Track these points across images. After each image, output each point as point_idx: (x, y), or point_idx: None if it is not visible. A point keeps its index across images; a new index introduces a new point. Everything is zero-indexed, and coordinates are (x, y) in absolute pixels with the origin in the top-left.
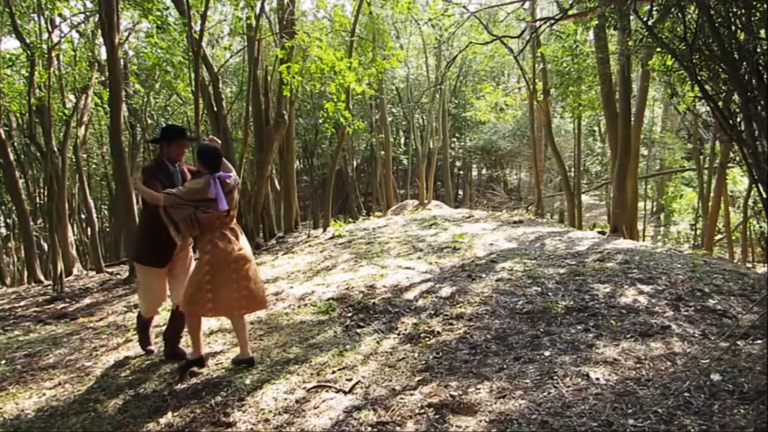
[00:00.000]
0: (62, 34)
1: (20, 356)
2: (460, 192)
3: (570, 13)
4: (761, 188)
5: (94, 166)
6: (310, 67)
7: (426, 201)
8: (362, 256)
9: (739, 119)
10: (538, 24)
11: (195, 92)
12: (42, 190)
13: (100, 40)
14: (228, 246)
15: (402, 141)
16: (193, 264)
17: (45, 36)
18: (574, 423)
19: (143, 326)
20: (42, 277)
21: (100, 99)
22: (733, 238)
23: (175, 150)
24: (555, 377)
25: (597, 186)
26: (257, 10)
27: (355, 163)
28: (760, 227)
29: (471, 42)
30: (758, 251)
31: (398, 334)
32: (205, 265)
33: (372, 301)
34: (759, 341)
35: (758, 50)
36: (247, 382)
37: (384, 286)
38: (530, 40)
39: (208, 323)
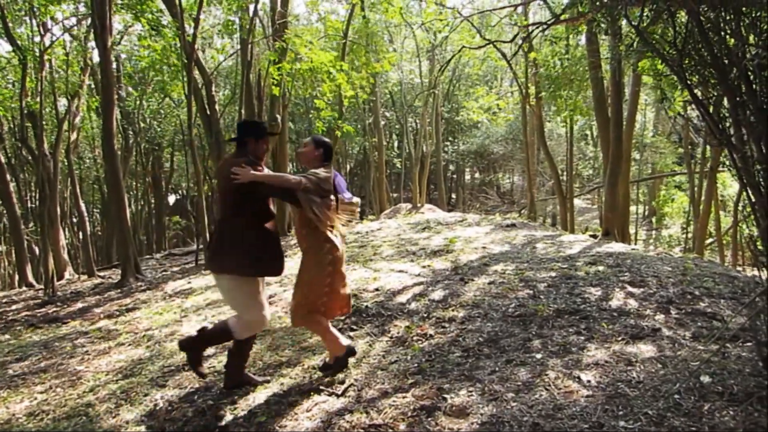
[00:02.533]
0: (54, 38)
1: (11, 360)
2: (453, 195)
3: (562, 18)
4: (750, 192)
5: (86, 169)
6: (302, 66)
7: (419, 204)
8: (355, 260)
9: (728, 124)
10: (530, 29)
11: (188, 95)
12: (33, 194)
13: (92, 43)
14: (340, 243)
15: (395, 144)
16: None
17: (37, 39)
18: (566, 425)
19: (243, 353)
20: (33, 281)
21: (94, 101)
22: (724, 241)
23: (263, 147)
24: (546, 380)
25: (589, 190)
26: (250, 14)
27: (348, 167)
28: (750, 231)
29: (464, 46)
30: (748, 255)
31: (390, 337)
32: (328, 266)
33: (364, 304)
34: (748, 344)
35: (747, 56)
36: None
37: (376, 289)
38: (523, 45)
39: (199, 326)
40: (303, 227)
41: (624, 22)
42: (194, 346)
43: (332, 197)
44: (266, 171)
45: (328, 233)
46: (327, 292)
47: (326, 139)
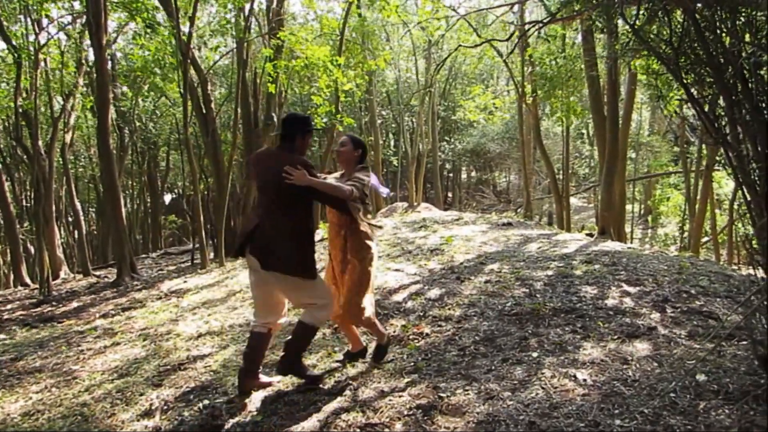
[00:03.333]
0: (49, 36)
1: (6, 360)
2: (450, 194)
3: (558, 16)
4: (746, 191)
5: (81, 168)
6: (297, 62)
7: (415, 203)
8: None
9: (724, 122)
10: (526, 27)
11: (183, 94)
12: (29, 193)
13: (87, 41)
14: (375, 241)
15: (391, 143)
16: None
17: (32, 38)
18: (562, 424)
19: (308, 339)
20: (29, 281)
21: (89, 100)
22: (720, 240)
23: (308, 142)
24: (542, 378)
25: (585, 188)
26: (246, 12)
27: None
28: (745, 230)
29: (460, 45)
30: (744, 253)
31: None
32: (370, 264)
33: None
34: (744, 342)
35: (743, 54)
36: (236, 384)
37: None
38: (519, 43)
39: (196, 326)
40: (342, 229)
41: (620, 20)
42: (293, 365)
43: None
44: (319, 176)
45: (368, 234)
46: (371, 288)
47: (362, 140)
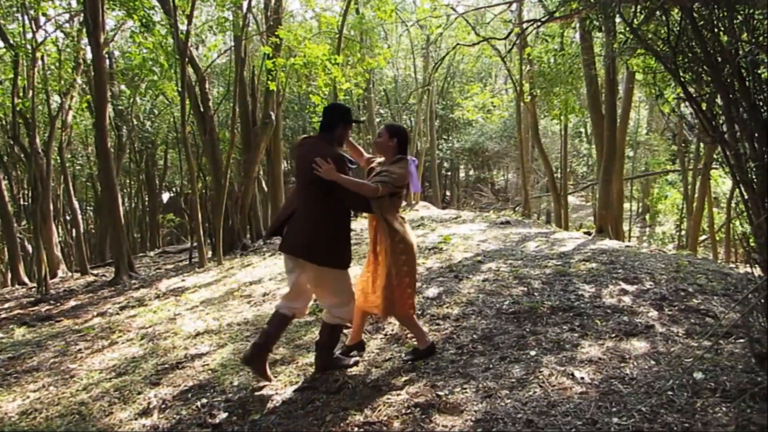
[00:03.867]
0: (47, 34)
1: (4, 359)
2: (448, 193)
3: (556, 15)
4: (743, 189)
5: (79, 167)
6: (296, 61)
7: (414, 202)
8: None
9: (721, 121)
10: (524, 26)
11: (181, 92)
12: (26, 192)
13: (85, 40)
14: (410, 230)
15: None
16: None
17: (29, 36)
18: (559, 422)
19: (337, 337)
20: (26, 279)
21: (85, 100)
22: (717, 238)
23: (348, 133)
24: (540, 376)
25: (583, 187)
26: (243, 10)
27: None
28: (743, 228)
29: (458, 43)
30: (741, 251)
31: (385, 335)
32: (401, 255)
33: None
34: (741, 340)
35: (740, 53)
36: (235, 383)
37: None
38: (517, 42)
39: (194, 325)
40: (374, 221)
41: (617, 19)
42: (328, 360)
43: (404, 191)
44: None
45: (397, 225)
46: (408, 283)
47: (401, 127)
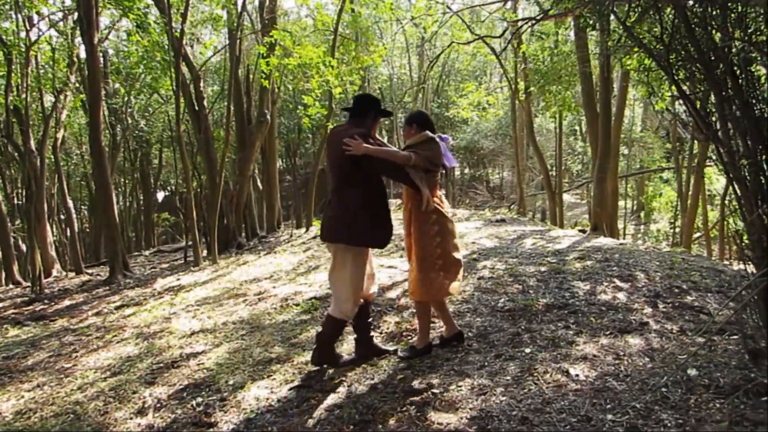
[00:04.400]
0: (40, 33)
1: None
2: (443, 191)
3: (551, 13)
4: (737, 187)
5: (73, 166)
6: (290, 61)
7: None
8: None
9: (715, 119)
10: (519, 24)
11: (176, 91)
12: (20, 191)
13: (79, 39)
14: (447, 210)
15: (385, 139)
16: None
17: (23, 35)
18: (554, 419)
19: (339, 331)
20: (20, 279)
21: (79, 99)
22: (711, 235)
23: (378, 125)
24: (535, 374)
25: (578, 185)
26: (238, 8)
27: None
28: (736, 225)
29: (453, 41)
30: (735, 249)
31: (380, 333)
32: (436, 237)
33: None
34: (735, 337)
35: (733, 51)
36: (230, 382)
37: None
38: (512, 40)
39: (189, 324)
40: (409, 201)
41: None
42: (326, 355)
43: (440, 169)
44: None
45: (434, 209)
46: (441, 265)
47: (418, 112)
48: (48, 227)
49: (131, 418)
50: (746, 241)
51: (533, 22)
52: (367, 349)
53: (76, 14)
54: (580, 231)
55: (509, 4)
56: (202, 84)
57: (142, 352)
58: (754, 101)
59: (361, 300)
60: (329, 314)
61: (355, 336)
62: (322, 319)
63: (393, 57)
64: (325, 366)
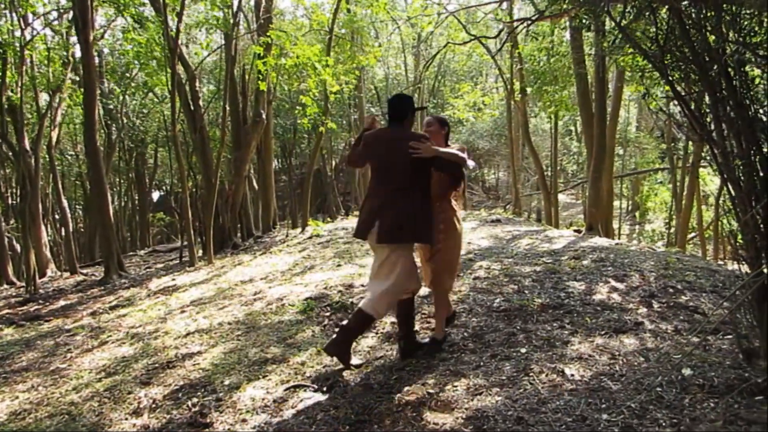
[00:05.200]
0: (35, 32)
1: None
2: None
3: (546, 14)
4: (731, 187)
5: (68, 166)
6: (287, 62)
7: None
8: (340, 256)
9: (709, 119)
10: (515, 24)
11: (171, 91)
12: (14, 190)
13: (74, 38)
14: (460, 218)
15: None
16: None
17: (17, 33)
18: (549, 419)
19: (365, 328)
20: (15, 279)
21: (75, 97)
22: (706, 236)
23: (413, 121)
24: (531, 374)
25: (573, 185)
26: (234, 9)
27: (333, 163)
28: (731, 226)
29: (449, 42)
30: (729, 249)
31: (376, 333)
32: (460, 236)
33: (350, 300)
34: (729, 336)
35: (727, 52)
36: (226, 382)
37: (362, 286)
38: (507, 40)
39: (185, 324)
40: (445, 201)
41: (607, 18)
42: (341, 350)
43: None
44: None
45: (456, 211)
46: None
47: (445, 118)
48: (43, 227)
49: (126, 419)
50: (740, 241)
51: (529, 22)
52: (409, 343)
53: (71, 13)
54: (575, 231)
55: (505, 5)
56: (197, 83)
57: (137, 352)
58: (747, 102)
59: (409, 293)
60: (362, 309)
61: (397, 332)
62: (317, 319)
63: (388, 57)
64: (331, 360)
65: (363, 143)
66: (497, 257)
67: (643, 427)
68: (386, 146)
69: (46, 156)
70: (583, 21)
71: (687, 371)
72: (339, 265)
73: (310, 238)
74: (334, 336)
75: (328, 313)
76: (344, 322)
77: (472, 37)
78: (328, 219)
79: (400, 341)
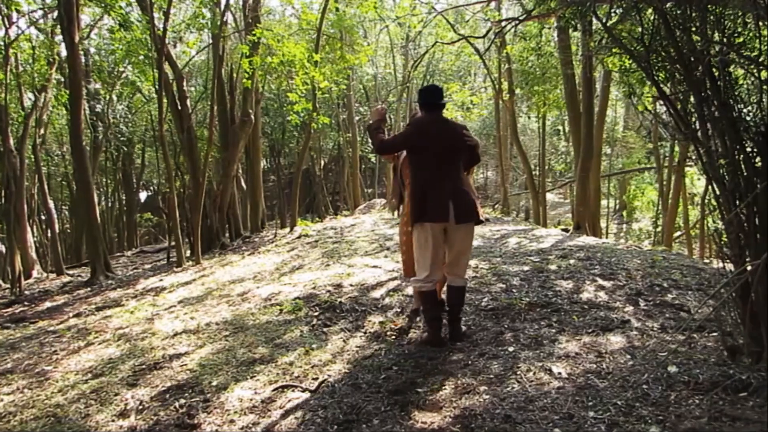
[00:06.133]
0: (20, 31)
1: None
2: None
3: (533, 14)
4: (715, 186)
5: (54, 166)
6: (273, 60)
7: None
8: (329, 256)
9: (694, 119)
10: (503, 24)
11: (158, 90)
12: None
13: (59, 37)
14: None
15: (369, 140)
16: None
17: (1, 33)
18: (537, 417)
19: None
20: (0, 281)
21: (61, 97)
22: (692, 234)
23: None
24: (518, 372)
25: (561, 184)
26: (222, 7)
27: (322, 162)
28: (716, 224)
29: (438, 41)
30: (714, 247)
31: (365, 333)
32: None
33: (339, 300)
34: (714, 334)
35: (711, 52)
36: (213, 383)
37: (351, 285)
38: (495, 40)
39: (172, 325)
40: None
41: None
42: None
43: None
44: None
45: None
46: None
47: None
48: (28, 228)
49: (113, 421)
50: (725, 240)
51: (516, 22)
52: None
53: (56, 12)
54: (563, 230)
55: (493, 5)
56: (185, 83)
57: (124, 353)
58: (731, 102)
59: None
60: (460, 286)
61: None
62: (305, 319)
63: (378, 56)
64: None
65: (417, 129)
66: (485, 256)
67: (629, 424)
68: (441, 132)
69: (32, 156)
70: (570, 21)
71: (672, 368)
72: (327, 265)
73: (299, 238)
74: (450, 326)
75: (316, 313)
76: (446, 309)
77: (461, 37)
78: (317, 219)
79: (453, 323)
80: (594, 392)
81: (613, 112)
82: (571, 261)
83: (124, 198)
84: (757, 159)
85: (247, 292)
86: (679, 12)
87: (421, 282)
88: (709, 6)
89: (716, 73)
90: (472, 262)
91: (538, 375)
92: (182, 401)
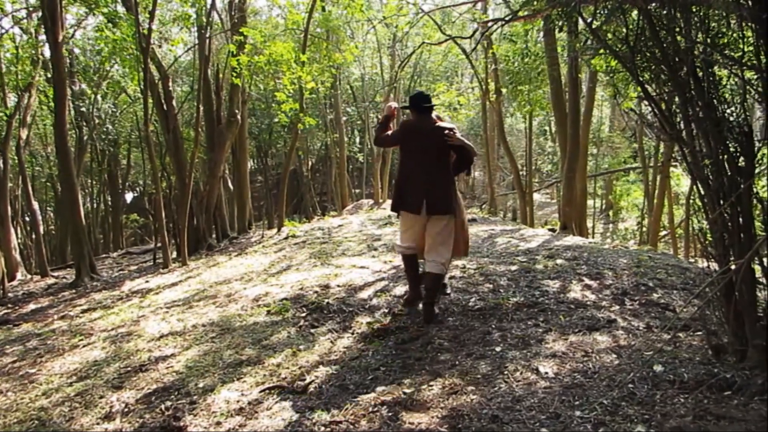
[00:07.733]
0: (3, 31)
1: None
2: None
3: (519, 14)
4: (700, 186)
5: (38, 167)
6: (261, 59)
7: (381, 200)
8: (317, 256)
9: (678, 119)
10: (489, 24)
11: (144, 90)
12: None
13: (43, 36)
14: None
15: (357, 140)
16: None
17: None
18: (524, 416)
19: (439, 283)
20: None
21: (46, 97)
22: (677, 234)
23: None
24: (506, 372)
25: (548, 184)
26: (207, 7)
27: (310, 163)
28: (700, 224)
29: (425, 42)
30: (699, 247)
31: (352, 334)
32: (463, 211)
33: (326, 300)
34: (698, 333)
35: (695, 53)
36: (200, 385)
37: (338, 286)
38: (482, 41)
39: (158, 326)
40: (452, 186)
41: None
42: (433, 312)
43: None
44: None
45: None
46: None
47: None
48: (12, 230)
49: (98, 424)
50: (709, 239)
51: (503, 22)
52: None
53: (40, 12)
54: (550, 230)
55: (479, 5)
56: (170, 83)
57: (109, 356)
58: (715, 102)
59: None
60: (431, 272)
61: (424, 297)
62: (293, 320)
63: (364, 57)
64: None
65: (403, 129)
66: (473, 256)
67: (615, 424)
68: (425, 132)
69: (15, 157)
70: (555, 22)
71: (658, 367)
72: (315, 266)
73: (286, 238)
74: (423, 308)
75: (304, 314)
76: (423, 294)
77: (447, 37)
78: (305, 219)
79: (426, 305)
80: (581, 391)
81: (599, 112)
82: (558, 261)
83: (109, 199)
84: (741, 159)
85: (234, 293)
86: (663, 13)
87: (402, 248)
88: (693, 7)
89: (700, 74)
90: (459, 263)
91: (525, 375)
92: (168, 403)
